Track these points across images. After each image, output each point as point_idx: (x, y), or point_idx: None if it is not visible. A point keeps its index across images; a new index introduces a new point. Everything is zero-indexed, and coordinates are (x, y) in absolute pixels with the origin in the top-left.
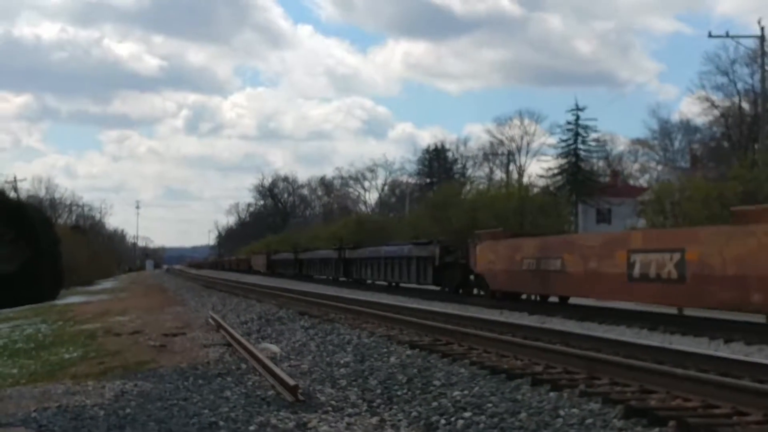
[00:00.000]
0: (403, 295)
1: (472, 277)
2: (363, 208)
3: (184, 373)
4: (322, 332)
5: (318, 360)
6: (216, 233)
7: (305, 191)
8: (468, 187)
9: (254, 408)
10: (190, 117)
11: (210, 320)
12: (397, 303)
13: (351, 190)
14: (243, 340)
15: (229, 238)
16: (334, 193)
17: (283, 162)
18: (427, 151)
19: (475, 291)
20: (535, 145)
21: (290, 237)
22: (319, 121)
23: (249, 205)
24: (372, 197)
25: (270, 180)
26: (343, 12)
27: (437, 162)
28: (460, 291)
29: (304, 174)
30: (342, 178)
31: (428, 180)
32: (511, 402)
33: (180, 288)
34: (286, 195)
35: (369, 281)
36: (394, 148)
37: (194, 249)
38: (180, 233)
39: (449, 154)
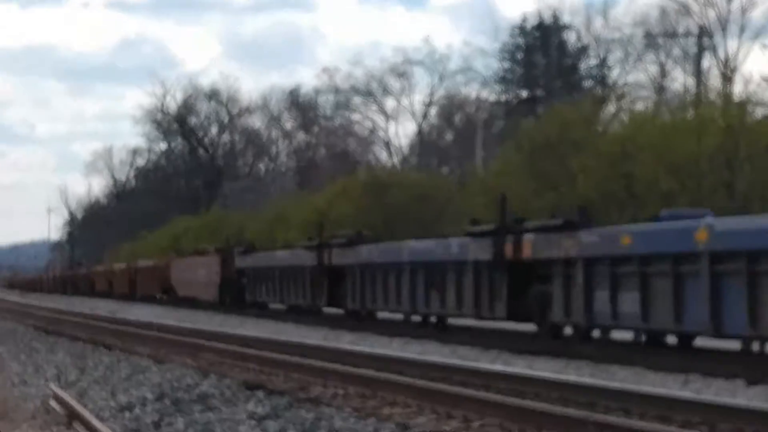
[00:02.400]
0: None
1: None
2: (383, 157)
3: None
4: (294, 428)
5: None
6: (65, 215)
7: (257, 122)
8: (612, 107)
9: None
10: None
11: (52, 402)
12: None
13: (356, 117)
14: None
15: (91, 226)
16: (318, 126)
17: (207, 58)
18: (520, 30)
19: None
20: (757, 16)
21: (224, 220)
22: None
23: (134, 153)
24: (402, 133)
25: (179, 97)
26: None
27: (542, 52)
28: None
29: (252, 84)
30: (336, 91)
31: (524, 93)
32: None
33: None
34: (214, 130)
35: (380, 313)
36: (447, 26)
37: (18, 249)
38: None
39: (568, 37)
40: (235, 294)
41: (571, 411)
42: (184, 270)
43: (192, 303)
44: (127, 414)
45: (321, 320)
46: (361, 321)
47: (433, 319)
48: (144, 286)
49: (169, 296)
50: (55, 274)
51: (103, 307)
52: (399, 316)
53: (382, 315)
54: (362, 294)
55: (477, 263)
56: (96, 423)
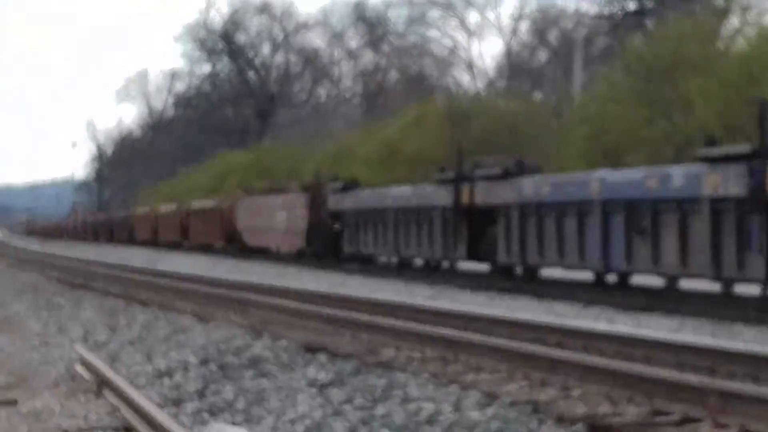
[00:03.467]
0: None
1: None
2: (465, 81)
3: None
4: (363, 396)
5: None
6: (92, 149)
7: (316, 40)
8: (735, 20)
9: None
10: None
11: (78, 366)
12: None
13: (432, 34)
14: (163, 421)
15: (122, 163)
16: (388, 44)
17: None
18: None
19: None
20: None
21: (278, 154)
22: None
23: (173, 77)
24: (486, 53)
25: (225, 11)
26: None
27: None
28: None
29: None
30: (410, 3)
31: (631, 4)
32: None
33: (4, 286)
34: (266, 49)
35: (546, 269)
36: None
37: (37, 190)
38: (2, 153)
39: None
40: (328, 244)
41: (689, 377)
42: (256, 213)
43: (265, 255)
44: (166, 381)
45: (453, 278)
46: (516, 281)
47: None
48: (199, 234)
49: (234, 247)
50: (84, 219)
51: (137, 258)
52: (572, 275)
53: (549, 273)
54: (522, 245)
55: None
56: (130, 391)
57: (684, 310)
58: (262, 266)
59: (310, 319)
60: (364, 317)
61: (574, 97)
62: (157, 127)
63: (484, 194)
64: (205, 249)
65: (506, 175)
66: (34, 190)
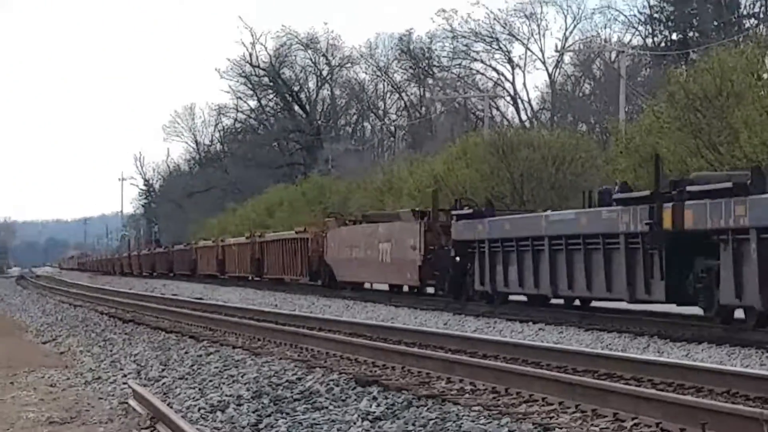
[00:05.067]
0: None
1: None
2: (509, 113)
3: None
4: (415, 430)
5: None
6: (140, 184)
7: (361, 74)
8: None
9: None
10: None
11: (131, 401)
12: None
13: (477, 67)
14: None
15: (170, 197)
16: (433, 77)
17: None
18: None
19: None
20: None
21: (325, 188)
22: None
23: (219, 112)
24: (531, 85)
25: (271, 46)
26: None
27: None
28: None
29: (353, 29)
30: (454, 37)
31: (675, 35)
32: None
33: (57, 322)
34: (312, 84)
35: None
36: None
37: (88, 224)
38: (53, 188)
39: None
40: (451, 279)
41: (741, 407)
42: (351, 244)
43: (362, 292)
44: (219, 415)
45: (615, 321)
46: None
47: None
48: (275, 267)
49: (323, 281)
50: (139, 251)
51: (185, 292)
52: None
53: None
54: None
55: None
56: (184, 425)
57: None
58: (354, 304)
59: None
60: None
61: (619, 128)
62: (204, 161)
63: (696, 216)
64: (279, 284)
65: (740, 190)
66: (84, 224)
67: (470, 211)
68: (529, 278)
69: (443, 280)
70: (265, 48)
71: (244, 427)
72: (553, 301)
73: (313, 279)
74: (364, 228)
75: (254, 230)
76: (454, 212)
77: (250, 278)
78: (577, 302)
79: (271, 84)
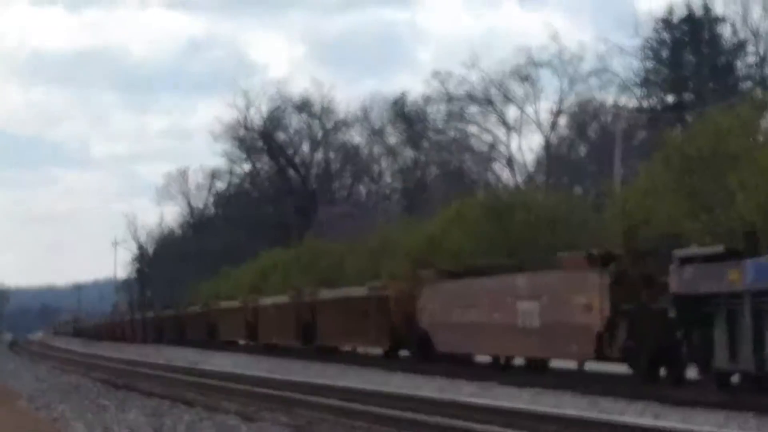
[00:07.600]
0: None
1: None
2: (505, 176)
3: None
4: None
5: None
6: (133, 248)
7: (356, 137)
8: None
9: None
10: None
11: None
12: None
13: (472, 130)
14: None
15: (163, 261)
16: (428, 140)
17: (288, 62)
18: (665, 24)
19: None
20: None
21: (320, 251)
22: None
23: (213, 175)
24: (526, 148)
25: (265, 109)
26: None
27: (692, 49)
28: None
29: (346, 92)
30: (448, 99)
31: (670, 98)
32: None
33: (48, 390)
34: (306, 147)
35: None
36: (577, 20)
37: (80, 288)
38: (46, 253)
39: (722, 30)
40: (659, 353)
41: None
42: (462, 302)
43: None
44: None
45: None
46: None
47: None
48: (335, 333)
49: (413, 351)
50: (140, 316)
51: (175, 357)
52: None
53: None
54: None
55: None
56: None
57: None
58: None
59: None
60: None
61: (614, 191)
62: (197, 225)
63: None
64: (335, 354)
65: None
66: (76, 290)
67: (720, 250)
68: None
69: (642, 354)
70: (260, 111)
71: None
72: None
73: (395, 349)
74: (489, 282)
75: (299, 287)
76: (679, 253)
77: (289, 346)
78: None
79: (265, 148)
